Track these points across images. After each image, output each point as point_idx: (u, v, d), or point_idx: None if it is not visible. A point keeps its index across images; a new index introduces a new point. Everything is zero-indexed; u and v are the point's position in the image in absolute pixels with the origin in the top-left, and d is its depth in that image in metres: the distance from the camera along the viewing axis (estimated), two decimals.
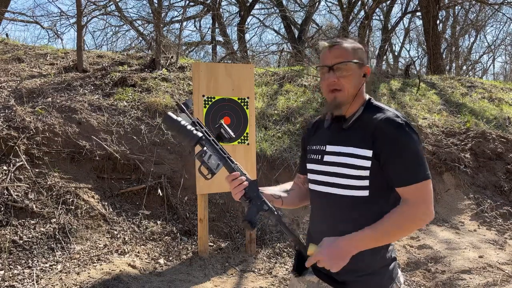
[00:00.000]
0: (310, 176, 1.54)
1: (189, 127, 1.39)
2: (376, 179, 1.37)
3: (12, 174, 3.86)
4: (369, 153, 1.36)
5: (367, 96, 1.49)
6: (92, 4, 6.65)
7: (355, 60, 1.41)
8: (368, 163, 1.36)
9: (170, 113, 1.40)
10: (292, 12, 14.94)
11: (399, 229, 1.34)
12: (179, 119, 1.39)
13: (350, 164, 1.38)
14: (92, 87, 5.44)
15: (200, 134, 1.40)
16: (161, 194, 4.34)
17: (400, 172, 1.34)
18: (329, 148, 1.46)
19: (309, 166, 1.54)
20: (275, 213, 1.47)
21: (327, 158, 1.45)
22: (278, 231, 4.34)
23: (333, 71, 1.41)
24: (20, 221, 3.60)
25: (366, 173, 1.37)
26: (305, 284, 1.52)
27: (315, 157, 1.51)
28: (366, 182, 1.38)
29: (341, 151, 1.42)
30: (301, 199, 1.65)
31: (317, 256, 1.34)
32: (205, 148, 1.42)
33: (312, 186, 1.53)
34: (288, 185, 1.68)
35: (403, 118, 1.37)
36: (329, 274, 1.44)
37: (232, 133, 1.51)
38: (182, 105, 1.42)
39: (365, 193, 1.38)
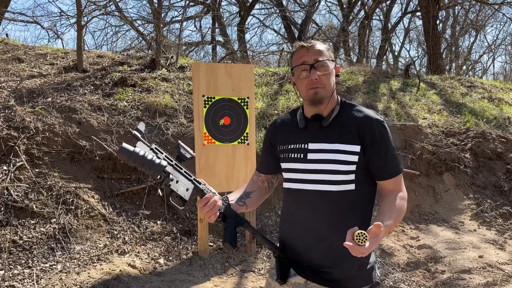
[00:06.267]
0: (290, 175, 1.52)
1: (149, 156, 1.27)
2: (361, 172, 1.43)
3: (12, 174, 3.86)
4: (357, 148, 1.42)
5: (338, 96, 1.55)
6: (92, 4, 6.64)
7: (331, 59, 1.47)
8: (355, 158, 1.42)
9: (125, 145, 1.26)
10: (292, 12, 14.93)
11: (400, 218, 1.44)
12: (137, 149, 1.26)
13: (337, 160, 1.41)
14: (92, 87, 5.44)
15: (164, 163, 1.30)
16: (161, 194, 4.34)
17: (386, 165, 1.44)
18: (312, 146, 1.46)
19: (288, 165, 1.52)
20: (251, 225, 1.49)
21: (311, 156, 1.46)
22: (277, 231, 4.34)
23: (314, 69, 1.43)
24: (20, 221, 3.60)
25: (352, 167, 1.42)
26: (291, 287, 1.51)
27: (296, 156, 1.49)
28: (352, 176, 1.42)
29: (326, 148, 1.44)
30: (260, 198, 1.66)
31: (369, 249, 1.22)
32: (170, 175, 1.33)
33: (293, 185, 1.51)
34: (247, 186, 1.66)
35: (380, 115, 1.48)
36: (323, 272, 1.45)
37: (192, 152, 1.42)
38: (136, 132, 1.29)
39: (352, 186, 1.43)
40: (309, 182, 1.46)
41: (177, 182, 1.35)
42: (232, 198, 1.55)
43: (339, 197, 1.42)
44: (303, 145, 1.49)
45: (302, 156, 1.48)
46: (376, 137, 1.41)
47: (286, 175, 1.55)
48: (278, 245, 1.58)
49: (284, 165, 1.55)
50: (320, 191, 1.43)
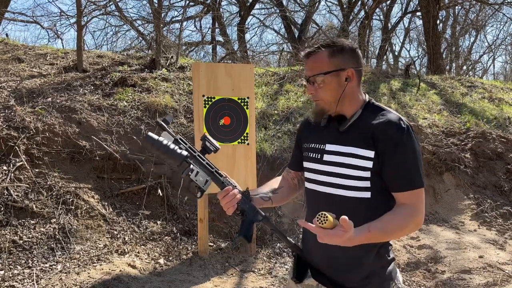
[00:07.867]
0: (308, 175, 1.51)
1: (172, 146, 1.34)
2: (377, 180, 1.36)
3: (12, 174, 3.86)
4: (371, 153, 1.34)
5: (367, 97, 1.46)
6: (92, 4, 6.64)
7: (325, 71, 1.38)
8: (369, 164, 1.34)
9: (150, 134, 1.34)
10: (292, 12, 14.94)
11: (397, 232, 1.34)
12: (161, 138, 1.34)
13: (351, 164, 1.36)
14: (92, 87, 5.44)
15: (185, 153, 1.35)
16: (161, 194, 4.34)
17: (399, 176, 1.33)
18: (329, 147, 1.43)
19: (307, 164, 1.51)
20: (269, 221, 1.48)
21: (326, 157, 1.42)
22: None
23: (310, 83, 1.43)
24: (20, 221, 3.60)
25: (367, 174, 1.35)
26: None
27: (313, 156, 1.48)
28: (367, 183, 1.36)
29: (341, 150, 1.39)
30: (289, 194, 1.64)
31: (330, 237, 1.18)
32: (191, 165, 1.37)
33: (311, 186, 1.49)
34: (276, 182, 1.65)
35: (406, 122, 1.36)
36: (330, 278, 1.43)
37: (217, 145, 1.46)
38: (162, 123, 1.37)
39: (367, 194, 1.36)
40: (323, 184, 1.43)
41: (197, 173, 1.39)
42: (257, 192, 1.55)
43: (352, 203, 1.37)
44: (321, 145, 1.46)
45: (319, 157, 1.45)
46: (391, 143, 1.31)
47: (305, 174, 1.53)
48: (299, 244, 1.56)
49: (304, 164, 1.54)
50: (333, 194, 1.40)
